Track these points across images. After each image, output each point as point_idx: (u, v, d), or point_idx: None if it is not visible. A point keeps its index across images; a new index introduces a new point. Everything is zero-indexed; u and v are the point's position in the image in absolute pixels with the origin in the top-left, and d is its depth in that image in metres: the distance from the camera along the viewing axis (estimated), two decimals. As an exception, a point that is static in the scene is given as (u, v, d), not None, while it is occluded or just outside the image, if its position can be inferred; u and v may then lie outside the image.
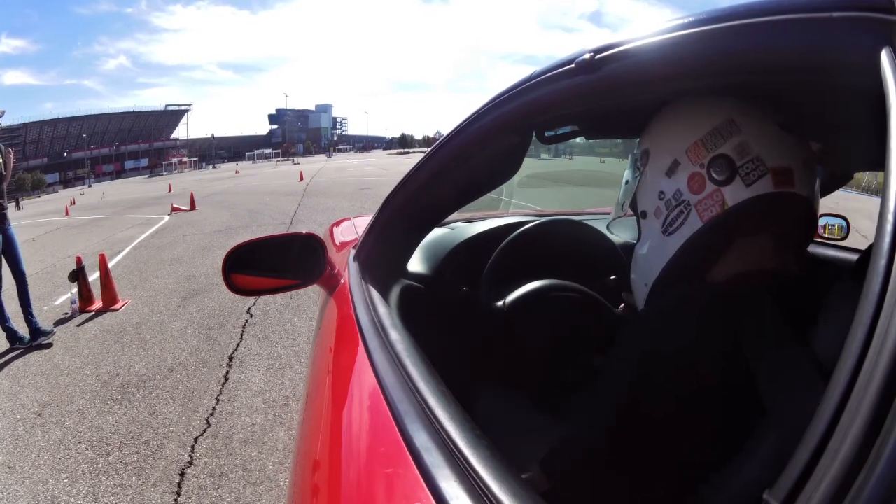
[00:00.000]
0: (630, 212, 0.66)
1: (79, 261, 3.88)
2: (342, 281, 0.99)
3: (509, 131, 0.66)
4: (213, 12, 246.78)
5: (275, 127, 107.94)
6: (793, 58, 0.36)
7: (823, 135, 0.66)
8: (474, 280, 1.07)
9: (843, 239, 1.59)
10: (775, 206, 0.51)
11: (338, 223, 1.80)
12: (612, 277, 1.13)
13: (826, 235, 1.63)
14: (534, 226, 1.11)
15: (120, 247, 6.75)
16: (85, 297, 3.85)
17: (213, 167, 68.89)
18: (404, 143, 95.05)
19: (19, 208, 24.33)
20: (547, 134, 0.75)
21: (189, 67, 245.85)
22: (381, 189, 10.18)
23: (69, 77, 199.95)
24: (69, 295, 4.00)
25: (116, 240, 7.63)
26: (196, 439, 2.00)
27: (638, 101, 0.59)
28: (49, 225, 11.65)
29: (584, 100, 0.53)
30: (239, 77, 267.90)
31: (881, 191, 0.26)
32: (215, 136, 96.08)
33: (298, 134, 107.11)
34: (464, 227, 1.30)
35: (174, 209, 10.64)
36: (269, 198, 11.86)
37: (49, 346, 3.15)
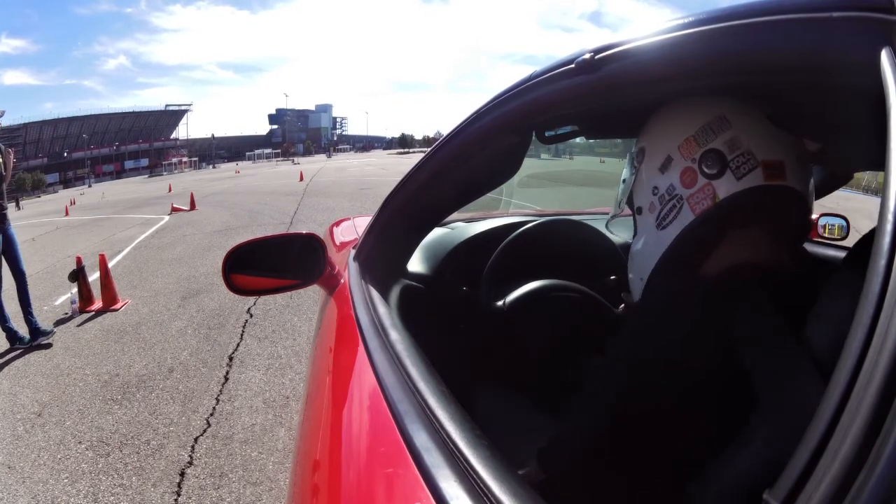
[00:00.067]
0: (628, 210, 0.67)
1: (79, 261, 3.88)
2: (342, 281, 0.99)
3: (509, 131, 0.66)
4: (213, 12, 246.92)
5: (275, 127, 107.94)
6: (793, 58, 0.36)
7: (823, 135, 0.66)
8: (474, 280, 1.07)
9: (843, 239, 1.59)
10: (766, 199, 0.52)
11: (338, 223, 1.80)
12: (612, 277, 1.13)
13: (826, 235, 1.63)
14: (534, 226, 1.11)
15: (120, 247, 6.75)
16: (85, 297, 3.85)
17: (213, 167, 68.88)
18: (404, 143, 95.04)
19: (19, 208, 24.33)
20: (547, 134, 0.75)
21: (189, 67, 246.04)
22: (381, 189, 10.18)
23: (69, 77, 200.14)
24: (69, 295, 4.00)
25: (116, 240, 7.63)
26: (196, 439, 2.00)
27: (637, 100, 0.60)
28: (49, 225, 11.66)
29: (584, 100, 0.53)
30: (239, 77, 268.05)
31: (881, 191, 0.26)
32: (215, 136, 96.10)
33: (298, 134, 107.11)
34: (464, 227, 1.30)
35: (174, 209, 10.64)
36: (269, 198, 11.86)
37: (49, 346, 3.15)
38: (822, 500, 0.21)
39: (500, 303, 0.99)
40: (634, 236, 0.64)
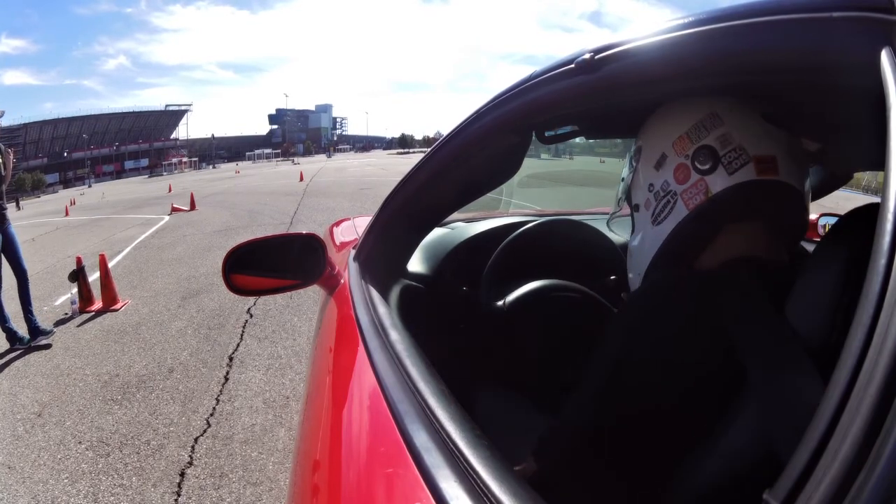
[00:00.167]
0: (628, 209, 0.67)
1: (79, 261, 3.88)
2: (342, 281, 0.99)
3: (509, 131, 0.66)
4: (212, 12, 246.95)
5: (275, 127, 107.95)
6: (793, 58, 0.36)
7: (823, 135, 0.66)
8: (474, 280, 1.07)
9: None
10: (759, 194, 0.53)
11: (338, 223, 1.80)
12: (612, 277, 1.13)
13: (824, 235, 1.62)
14: (534, 226, 1.11)
15: (120, 247, 6.75)
16: (85, 297, 3.86)
17: (213, 167, 68.89)
18: (404, 143, 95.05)
19: (19, 208, 24.31)
20: (547, 134, 0.75)
21: (189, 67, 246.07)
22: (381, 189, 10.18)
23: (69, 77, 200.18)
24: (69, 295, 4.00)
25: (116, 240, 7.63)
26: (196, 439, 2.00)
27: (637, 100, 0.60)
28: (49, 225, 11.66)
29: (584, 100, 0.54)
30: (239, 77, 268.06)
31: (881, 191, 0.26)
32: (215, 136, 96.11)
33: (298, 134, 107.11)
34: (464, 227, 1.30)
35: (174, 209, 10.64)
36: (269, 198, 11.86)
37: (48, 346, 3.15)
38: (822, 500, 0.21)
39: (500, 303, 1.00)
40: (632, 233, 0.65)
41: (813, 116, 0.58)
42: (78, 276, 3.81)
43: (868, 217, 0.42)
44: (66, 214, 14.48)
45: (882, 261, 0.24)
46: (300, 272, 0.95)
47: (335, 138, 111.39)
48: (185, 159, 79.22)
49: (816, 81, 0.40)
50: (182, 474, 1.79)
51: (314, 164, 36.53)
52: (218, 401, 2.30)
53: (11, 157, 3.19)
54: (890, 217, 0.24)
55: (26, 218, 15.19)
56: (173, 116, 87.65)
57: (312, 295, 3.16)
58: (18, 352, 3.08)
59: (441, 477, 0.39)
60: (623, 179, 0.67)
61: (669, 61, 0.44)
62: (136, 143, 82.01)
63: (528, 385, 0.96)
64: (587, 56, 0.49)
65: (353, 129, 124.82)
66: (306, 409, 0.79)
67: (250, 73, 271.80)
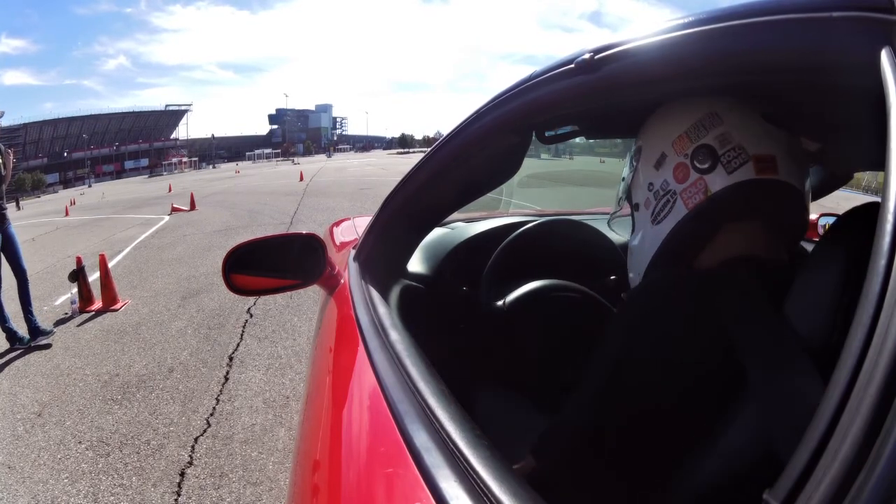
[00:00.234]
0: (628, 207, 0.67)
1: (79, 261, 3.88)
2: (342, 281, 0.99)
3: (509, 131, 0.66)
4: (212, 12, 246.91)
5: (275, 127, 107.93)
6: (792, 58, 0.36)
7: (823, 135, 0.66)
8: (474, 280, 1.07)
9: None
10: (758, 193, 0.53)
11: (338, 223, 1.80)
12: (612, 277, 1.13)
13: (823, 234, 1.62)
14: (534, 226, 1.11)
15: (120, 247, 6.75)
16: (85, 297, 3.85)
17: (213, 167, 68.87)
18: (404, 143, 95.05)
19: (19, 208, 24.32)
20: (547, 134, 0.75)
21: (189, 67, 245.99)
22: (381, 189, 10.18)
23: (69, 77, 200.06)
24: (69, 295, 4.00)
25: (116, 240, 7.63)
26: (196, 439, 2.00)
27: (637, 100, 0.60)
28: (49, 225, 11.66)
29: (584, 100, 0.54)
30: (239, 77, 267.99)
31: (881, 191, 0.26)
32: (215, 136, 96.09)
33: (298, 134, 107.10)
34: (464, 227, 1.30)
35: (174, 209, 10.64)
36: (269, 198, 11.86)
37: (48, 346, 3.15)
38: (822, 500, 0.21)
39: (500, 303, 1.00)
40: (632, 233, 0.65)
41: (813, 116, 0.58)
42: (78, 275, 3.81)
43: (867, 216, 0.42)
44: (66, 214, 14.48)
45: (882, 261, 0.24)
46: (300, 272, 0.95)
47: (335, 138, 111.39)
48: (185, 159, 79.21)
49: (816, 81, 0.40)
50: (182, 474, 1.79)
51: (314, 164, 36.53)
52: (218, 401, 2.30)
53: (11, 157, 3.19)
54: (890, 217, 0.24)
55: (26, 218, 15.19)
56: (173, 116, 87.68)
57: (312, 295, 3.16)
58: (18, 352, 3.08)
59: (441, 477, 0.39)
60: (624, 179, 0.67)
61: (669, 61, 0.44)
62: (136, 143, 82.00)
63: (528, 385, 0.96)
64: (587, 56, 0.49)
65: (353, 129, 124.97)
66: (306, 409, 0.79)
67: (250, 73, 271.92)
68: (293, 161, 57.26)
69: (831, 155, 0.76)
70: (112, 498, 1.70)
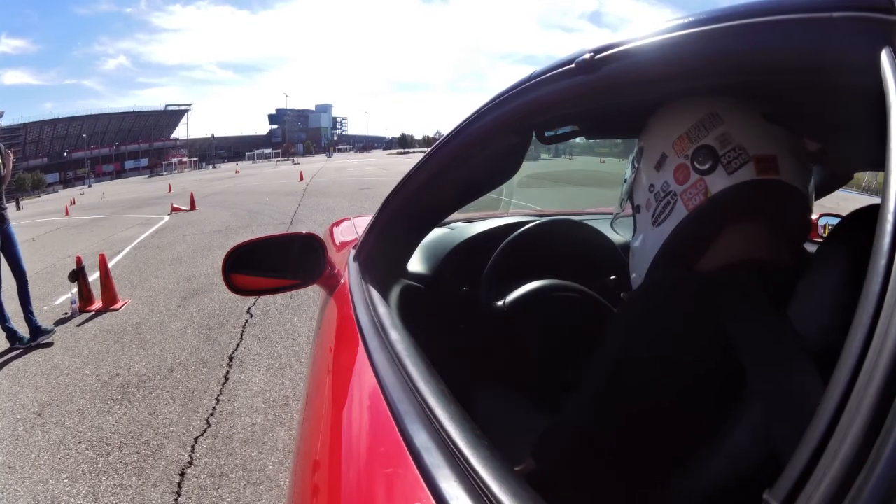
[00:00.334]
0: (630, 208, 0.67)
1: (79, 261, 3.88)
2: (342, 281, 0.99)
3: (509, 131, 0.66)
4: (212, 12, 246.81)
5: (275, 127, 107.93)
6: (793, 58, 0.36)
7: (823, 135, 0.66)
8: (474, 280, 1.07)
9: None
10: (759, 194, 0.52)
11: (338, 223, 1.80)
12: (612, 277, 1.13)
13: (825, 235, 1.62)
14: (534, 226, 1.11)
15: (120, 247, 6.75)
16: (85, 296, 3.85)
17: (213, 167, 68.90)
18: (404, 143, 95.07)
19: (19, 208, 24.32)
20: (547, 134, 0.75)
21: (189, 67, 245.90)
22: (381, 189, 10.18)
23: (69, 77, 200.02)
24: (69, 295, 4.00)
25: (116, 240, 7.63)
26: (196, 439, 2.00)
27: (637, 100, 0.60)
28: (49, 225, 11.66)
29: (584, 100, 0.54)
30: (239, 77, 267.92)
31: (881, 191, 0.26)
32: (215, 136, 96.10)
33: (298, 134, 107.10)
34: (464, 227, 1.30)
35: (174, 209, 10.64)
36: (269, 198, 11.87)
37: (49, 344, 3.16)
38: (822, 500, 0.21)
39: (500, 303, 1.00)
40: (634, 234, 0.65)
41: (813, 116, 0.58)
42: (78, 275, 3.81)
43: (870, 218, 0.42)
44: (66, 214, 14.49)
45: (882, 261, 0.24)
46: (300, 272, 0.95)
47: (335, 138, 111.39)
48: (185, 159, 79.25)
49: (816, 81, 0.40)
50: (182, 474, 1.79)
51: (314, 164, 36.54)
52: (218, 400, 2.30)
53: (11, 157, 3.19)
54: (890, 217, 0.24)
55: (26, 217, 15.19)
56: (173, 116, 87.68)
57: (312, 295, 3.16)
58: (18, 352, 3.08)
59: (441, 477, 0.39)
60: (626, 180, 0.67)
61: (669, 61, 0.44)
62: (136, 143, 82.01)
63: (528, 385, 0.96)
64: (587, 56, 0.49)
65: (353, 129, 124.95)
66: (306, 409, 0.79)
67: (250, 73, 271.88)
68: (293, 161, 57.27)
69: (831, 155, 0.76)
70: (112, 498, 1.70)
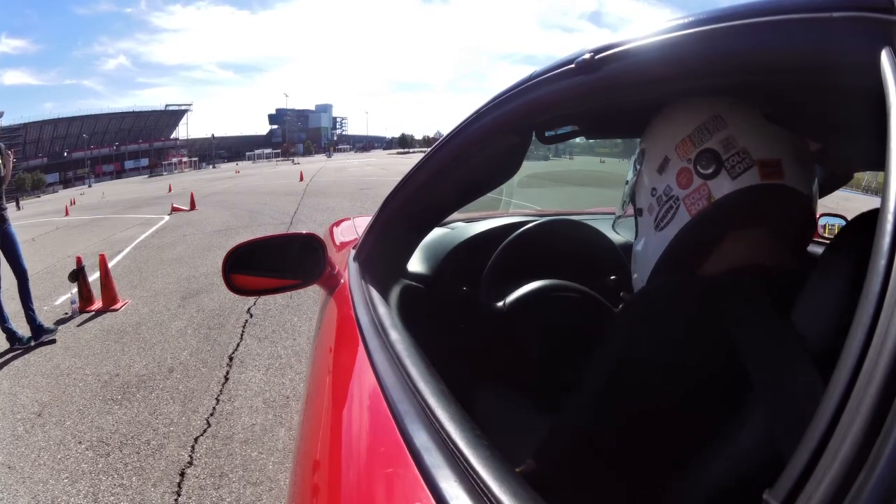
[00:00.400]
0: (632, 210, 0.67)
1: (79, 261, 3.88)
2: (342, 281, 0.99)
3: (509, 131, 0.66)
4: (212, 12, 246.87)
5: (275, 127, 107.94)
6: (793, 58, 0.36)
7: (823, 135, 0.66)
8: (474, 280, 1.07)
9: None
10: (764, 199, 0.51)
11: (338, 223, 1.80)
12: (612, 277, 1.13)
13: (826, 235, 1.63)
14: (534, 226, 1.11)
15: (120, 247, 6.75)
16: (85, 297, 3.86)
17: (213, 167, 68.89)
18: (404, 143, 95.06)
19: (19, 208, 24.32)
20: (547, 134, 0.75)
21: (189, 67, 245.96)
22: (381, 189, 10.18)
23: (69, 77, 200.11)
24: (69, 295, 4.00)
25: (116, 240, 7.63)
26: (196, 439, 2.00)
27: (638, 100, 0.60)
28: (49, 225, 11.66)
29: (584, 100, 0.53)
30: (239, 77, 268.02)
31: (881, 191, 0.26)
32: (215, 136, 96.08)
33: (298, 134, 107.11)
34: (464, 227, 1.30)
35: (174, 209, 10.64)
36: (269, 198, 11.87)
37: (52, 342, 3.17)
38: (822, 500, 0.21)
39: (500, 303, 1.00)
40: (636, 237, 0.64)
41: (813, 116, 0.58)
42: (78, 275, 3.81)
43: (874, 222, 0.42)
44: (66, 214, 14.49)
45: (882, 261, 0.24)
46: (300, 272, 0.95)
47: (335, 138, 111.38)
48: (185, 159, 79.25)
49: (817, 81, 0.40)
50: (182, 474, 1.79)
51: (314, 164, 36.54)
52: (218, 401, 2.30)
53: (11, 157, 3.19)
54: (890, 217, 0.24)
55: (26, 217, 15.19)
56: (173, 116, 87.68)
57: (312, 295, 3.16)
58: (18, 352, 3.08)
59: (441, 477, 0.39)
60: (627, 182, 0.66)
61: (670, 61, 0.44)
62: (136, 143, 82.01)
63: (528, 385, 0.96)
64: (587, 56, 0.49)
65: (353, 129, 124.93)
66: (306, 409, 0.79)
67: (250, 73, 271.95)
68: (293, 161, 57.27)
69: (831, 155, 0.77)
70: (112, 498, 1.70)
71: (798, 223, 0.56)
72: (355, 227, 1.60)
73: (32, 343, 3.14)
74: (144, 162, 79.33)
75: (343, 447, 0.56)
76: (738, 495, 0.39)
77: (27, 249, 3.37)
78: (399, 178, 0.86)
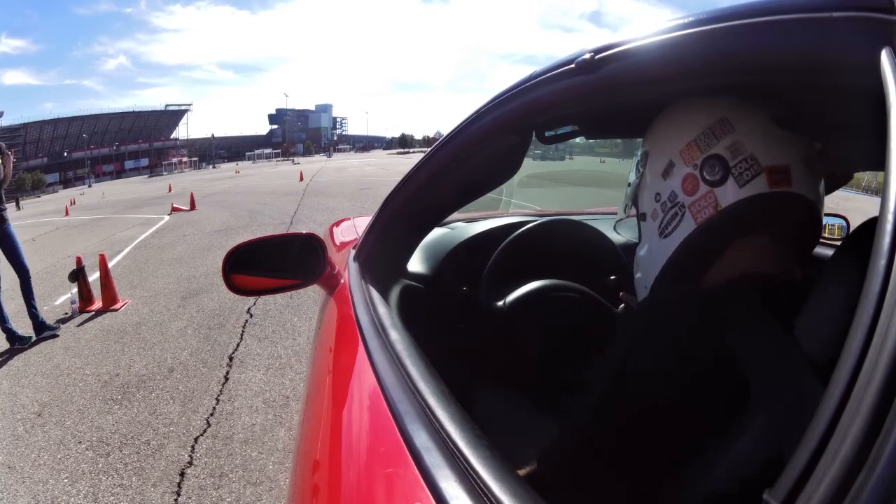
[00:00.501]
0: (634, 213, 0.66)
1: (79, 261, 3.88)
2: (342, 281, 0.99)
3: (509, 131, 0.66)
4: (212, 12, 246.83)
5: (275, 127, 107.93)
6: (793, 58, 0.36)
7: (823, 135, 0.66)
8: (474, 280, 1.07)
9: (842, 239, 1.58)
10: (772, 207, 0.50)
11: (338, 223, 1.80)
12: (612, 277, 1.13)
13: (826, 235, 1.63)
14: (534, 226, 1.11)
15: (120, 247, 6.75)
16: (85, 297, 3.86)
17: (213, 167, 68.90)
18: (404, 143, 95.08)
19: (19, 208, 24.32)
20: (547, 134, 0.75)
21: (189, 67, 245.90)
22: (381, 189, 10.18)
23: (69, 77, 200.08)
24: (69, 295, 4.00)
25: (116, 240, 7.63)
26: (196, 439, 2.00)
27: (638, 101, 0.59)
28: (49, 225, 11.66)
29: (584, 100, 0.53)
30: (239, 77, 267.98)
31: (881, 191, 0.26)
32: (215, 136, 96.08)
33: (298, 134, 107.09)
34: (464, 227, 1.30)
35: (174, 209, 10.64)
36: (269, 198, 11.87)
37: (55, 336, 3.19)
38: (822, 500, 0.21)
39: (500, 303, 1.00)
40: (639, 241, 0.63)
41: (813, 116, 0.58)
42: (78, 275, 3.81)
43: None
44: (66, 214, 14.49)
45: (882, 261, 0.24)
46: (300, 272, 0.95)
47: (335, 138, 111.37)
48: (185, 159, 79.24)
49: (816, 81, 0.40)
50: (182, 474, 1.79)
51: (314, 164, 36.55)
52: (218, 401, 2.30)
53: (11, 157, 3.20)
54: (890, 217, 0.24)
55: (26, 217, 15.19)
56: (173, 116, 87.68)
57: (312, 295, 3.16)
58: (18, 352, 3.08)
59: (441, 477, 0.39)
60: (630, 184, 0.65)
61: (669, 61, 0.43)
62: (136, 143, 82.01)
63: (528, 385, 0.96)
64: (587, 56, 0.49)
65: (353, 129, 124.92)
66: (306, 409, 0.79)
67: (250, 73, 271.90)
68: (293, 161, 57.27)
69: (831, 155, 0.76)
70: (112, 498, 1.70)
71: (804, 230, 0.55)
72: (355, 227, 1.60)
73: (34, 339, 3.14)
74: (144, 162, 79.32)
75: (343, 447, 0.56)
76: (738, 498, 0.39)
77: (27, 249, 3.37)
78: (399, 178, 0.86)
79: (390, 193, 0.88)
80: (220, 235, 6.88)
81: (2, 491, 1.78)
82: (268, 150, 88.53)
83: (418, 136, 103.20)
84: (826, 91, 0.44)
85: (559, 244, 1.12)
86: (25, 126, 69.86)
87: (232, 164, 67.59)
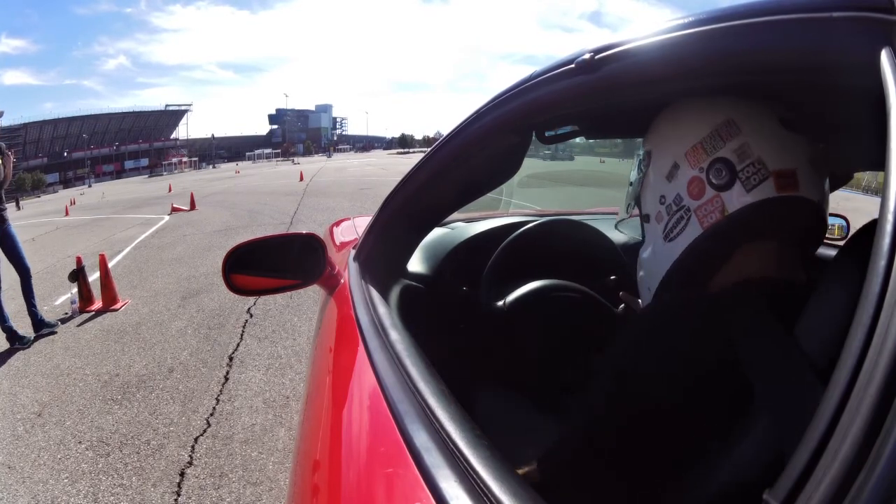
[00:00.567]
0: (636, 212, 0.66)
1: (79, 261, 3.88)
2: (342, 281, 0.99)
3: (509, 131, 0.66)
4: (212, 12, 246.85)
5: (275, 127, 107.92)
6: (793, 58, 0.36)
7: (823, 135, 0.66)
8: (474, 280, 1.07)
9: (842, 239, 1.59)
10: (779, 212, 0.50)
11: (338, 223, 1.80)
12: (612, 277, 1.13)
13: (826, 235, 1.62)
14: (534, 226, 1.11)
15: (120, 247, 6.75)
16: (85, 297, 3.85)
17: (213, 167, 68.90)
18: (404, 143, 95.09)
19: (19, 208, 24.31)
20: (547, 134, 0.75)
21: (189, 67, 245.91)
22: (381, 189, 10.18)
23: (69, 77, 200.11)
24: (69, 295, 4.01)
25: (116, 240, 7.63)
26: (196, 439, 2.00)
27: (638, 100, 0.59)
28: (49, 225, 11.66)
29: (584, 100, 0.53)
30: (239, 77, 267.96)
31: (881, 191, 0.26)
32: (215, 136, 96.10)
33: (298, 134, 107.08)
34: (464, 227, 1.30)
35: (174, 209, 10.64)
36: (269, 198, 11.87)
37: (53, 333, 3.20)
38: (822, 500, 0.21)
39: (500, 303, 1.00)
40: (643, 242, 0.63)
41: (813, 116, 0.58)
42: (78, 275, 3.81)
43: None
44: (66, 214, 14.48)
45: (882, 261, 0.24)
46: (300, 272, 0.95)
47: (335, 138, 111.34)
48: (185, 159, 79.25)
49: (816, 81, 0.40)
50: (182, 474, 1.79)
51: (314, 164, 36.55)
52: (218, 401, 2.30)
53: (12, 157, 3.20)
54: (890, 217, 0.24)
55: (26, 218, 15.19)
56: (173, 116, 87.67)
57: (312, 295, 3.16)
58: (18, 352, 3.08)
59: (441, 477, 0.39)
60: (632, 184, 0.64)
61: (669, 61, 0.43)
62: (136, 143, 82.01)
63: (528, 385, 0.96)
64: (587, 56, 0.49)
65: (353, 129, 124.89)
66: (306, 409, 0.79)
67: (250, 73, 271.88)
68: (293, 161, 57.26)
69: (831, 155, 0.76)
70: (112, 498, 1.70)
71: (810, 233, 0.55)
72: (355, 227, 1.60)
73: (33, 336, 3.14)
74: (144, 162, 79.33)
75: (343, 447, 0.56)
76: (740, 500, 0.39)
77: (27, 249, 3.37)
78: (399, 178, 0.86)
79: (390, 193, 0.88)
80: (220, 235, 6.88)
81: (2, 491, 1.78)
82: (268, 151, 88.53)
83: (418, 136, 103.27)
84: (826, 91, 0.44)
85: (559, 244, 1.12)
86: (25, 126, 69.85)
87: (232, 165, 67.60)
